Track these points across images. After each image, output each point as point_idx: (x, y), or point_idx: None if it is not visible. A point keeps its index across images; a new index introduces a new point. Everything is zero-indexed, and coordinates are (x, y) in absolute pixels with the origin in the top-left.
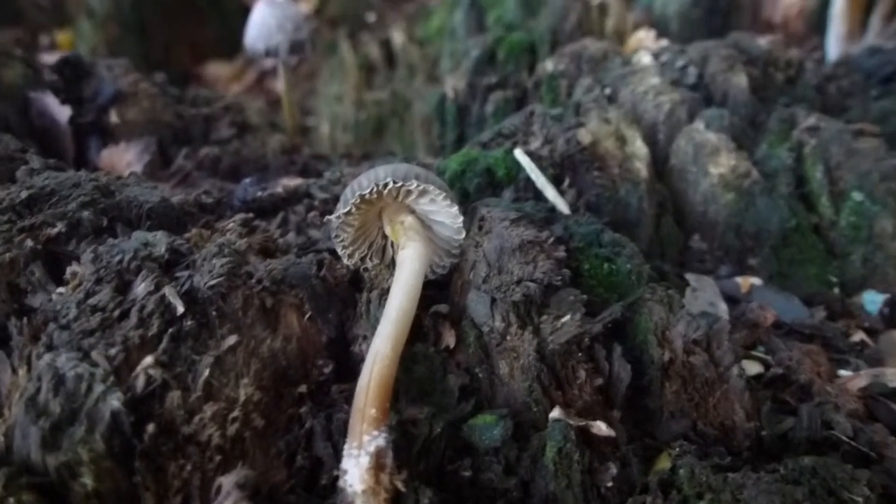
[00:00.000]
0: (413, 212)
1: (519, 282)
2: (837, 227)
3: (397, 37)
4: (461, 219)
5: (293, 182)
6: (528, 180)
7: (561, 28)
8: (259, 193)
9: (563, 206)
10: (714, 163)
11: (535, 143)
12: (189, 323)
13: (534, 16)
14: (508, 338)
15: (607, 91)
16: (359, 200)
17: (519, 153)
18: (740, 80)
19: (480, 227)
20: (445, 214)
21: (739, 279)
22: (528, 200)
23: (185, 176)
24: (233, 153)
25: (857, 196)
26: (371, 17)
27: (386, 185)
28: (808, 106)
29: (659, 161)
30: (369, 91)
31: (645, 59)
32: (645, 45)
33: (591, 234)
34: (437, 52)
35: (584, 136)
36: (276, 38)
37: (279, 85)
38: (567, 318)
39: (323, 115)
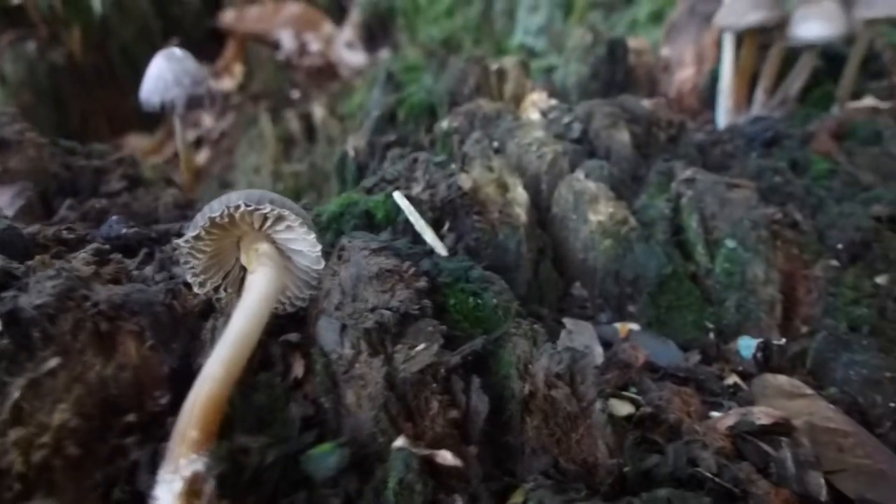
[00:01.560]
0: (273, 241)
1: (373, 309)
2: (713, 274)
3: (318, 111)
4: (319, 247)
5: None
6: (408, 223)
7: (459, 91)
8: (124, 230)
9: (441, 248)
10: (593, 210)
11: (416, 189)
12: (4, 342)
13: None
14: (357, 366)
15: (495, 144)
16: (209, 224)
17: (398, 195)
18: (623, 136)
19: (340, 257)
20: (304, 242)
21: (618, 325)
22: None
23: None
24: (121, 206)
25: (730, 243)
26: (295, 94)
27: (238, 207)
28: (690, 163)
29: (542, 209)
30: (287, 163)
31: (533, 115)
32: (537, 104)
33: (459, 270)
34: (357, 126)
35: (465, 181)
36: (172, 92)
37: (177, 142)
38: (421, 347)
39: (241, 186)
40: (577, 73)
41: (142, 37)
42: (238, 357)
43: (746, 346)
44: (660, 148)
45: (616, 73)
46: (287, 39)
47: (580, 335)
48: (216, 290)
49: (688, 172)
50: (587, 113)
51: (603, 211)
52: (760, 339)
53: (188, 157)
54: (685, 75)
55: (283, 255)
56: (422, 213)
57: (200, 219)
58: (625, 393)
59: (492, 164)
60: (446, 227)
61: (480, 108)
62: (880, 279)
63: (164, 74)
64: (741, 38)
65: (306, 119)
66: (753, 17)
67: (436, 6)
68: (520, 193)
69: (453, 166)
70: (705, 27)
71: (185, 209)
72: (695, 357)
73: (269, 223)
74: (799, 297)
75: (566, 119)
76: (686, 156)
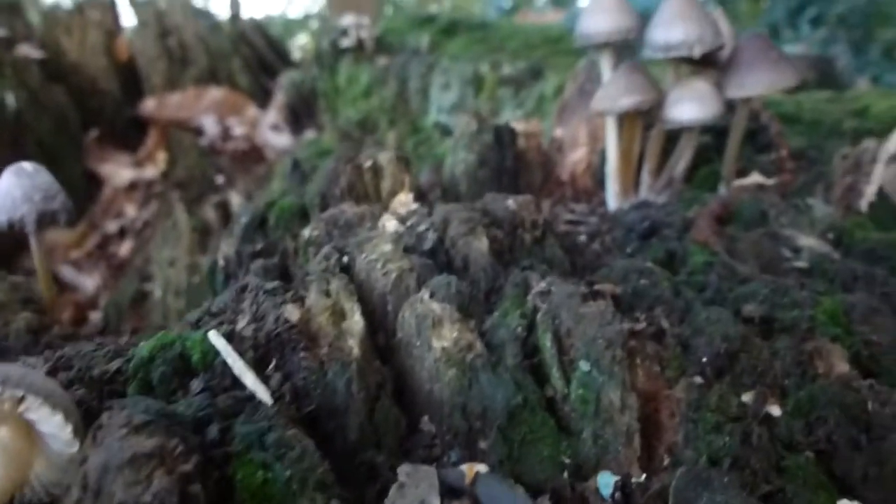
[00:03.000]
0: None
1: None
2: (569, 400)
3: (235, 199)
4: (70, 428)
5: None
6: (227, 365)
7: (331, 192)
8: None
9: (263, 393)
10: (437, 335)
11: (242, 322)
12: None
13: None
14: None
15: (345, 259)
16: None
17: (213, 336)
18: (481, 244)
19: (94, 437)
20: (51, 424)
21: (465, 467)
22: (223, 389)
23: None
24: None
25: (584, 365)
26: (220, 180)
27: None
28: (557, 265)
29: (388, 335)
30: (203, 255)
31: (389, 223)
32: (404, 208)
33: (252, 434)
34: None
35: (293, 312)
36: (20, 210)
37: (35, 260)
38: None
39: (158, 279)
40: (464, 161)
41: (59, 130)
42: None
43: (605, 483)
44: (526, 251)
45: (505, 158)
46: (210, 125)
47: (415, 487)
48: None
49: (543, 284)
50: (443, 219)
51: (447, 336)
52: (618, 477)
53: (46, 276)
54: (578, 155)
55: (37, 436)
56: (244, 352)
57: None
58: None
59: (329, 288)
60: (272, 365)
61: (343, 214)
62: (746, 396)
63: (11, 191)
64: (622, 120)
65: (223, 208)
66: (626, 101)
67: (354, 87)
68: (355, 322)
69: (288, 294)
70: None
71: (41, 334)
72: (546, 503)
73: (6, 406)
74: (662, 422)
75: (422, 227)
76: (552, 259)
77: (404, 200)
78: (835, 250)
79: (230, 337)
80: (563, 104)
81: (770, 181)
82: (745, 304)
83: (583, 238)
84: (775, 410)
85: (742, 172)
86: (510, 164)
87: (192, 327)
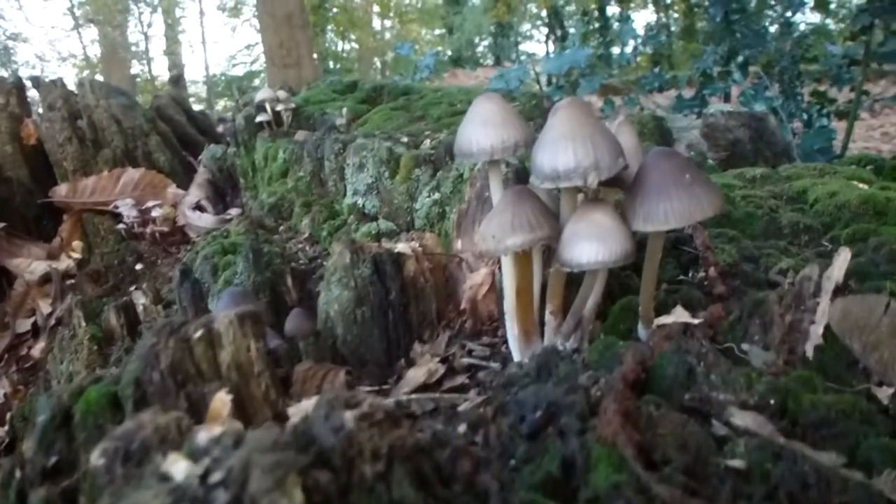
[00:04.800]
0: None
1: None
2: None
3: (140, 299)
4: None
5: None
6: None
7: (148, 377)
8: None
9: None
10: None
11: None
12: None
13: (259, 272)
14: None
15: None
16: None
17: None
18: (294, 500)
19: None
20: None
21: None
22: None
23: None
24: None
25: None
26: (138, 266)
27: None
28: None
29: None
30: (104, 368)
31: (177, 467)
32: (219, 422)
33: None
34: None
35: None
36: None
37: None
38: None
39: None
40: (338, 300)
41: None
42: None
43: None
44: (365, 494)
45: (389, 291)
46: (127, 208)
47: None
48: None
49: None
50: (243, 465)
51: None
52: None
53: None
54: (479, 278)
55: None
56: None
57: None
58: None
59: None
60: None
61: (140, 432)
62: None
63: None
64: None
65: (127, 311)
66: (512, 241)
67: (271, 166)
68: None
69: None
70: None
71: None
72: None
73: None
74: None
75: (217, 475)
76: (401, 500)
77: (220, 407)
78: (778, 425)
79: None
80: (462, 212)
81: (696, 320)
82: None
83: (447, 453)
84: None
85: (662, 308)
86: (396, 297)
87: None
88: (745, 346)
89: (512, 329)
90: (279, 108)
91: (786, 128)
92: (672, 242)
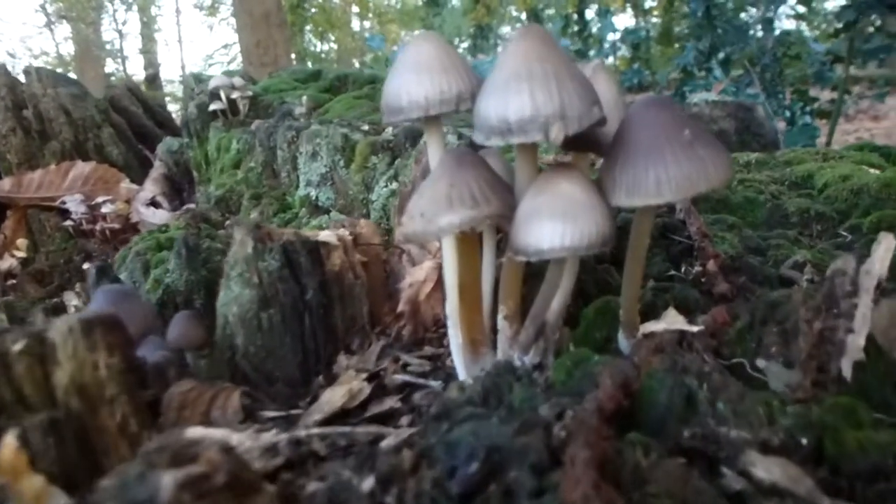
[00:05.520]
0: None
1: None
2: None
3: (74, 301)
4: None
5: None
6: None
7: None
8: None
9: None
10: None
11: None
12: None
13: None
14: None
15: None
16: None
17: None
18: None
19: None
20: None
21: None
22: None
23: None
24: None
25: None
26: (86, 265)
27: None
28: None
29: None
30: None
31: None
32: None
33: None
34: None
35: None
36: None
37: None
38: None
39: None
40: (238, 300)
41: None
42: None
43: None
44: None
45: (305, 289)
46: (76, 204)
47: None
48: None
49: None
50: None
51: None
52: None
53: None
54: (420, 274)
55: None
56: None
57: None
58: None
59: None
60: None
61: None
62: None
63: None
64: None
65: (58, 312)
66: (448, 220)
67: (224, 157)
68: None
69: None
70: None
71: None
72: None
73: None
74: None
75: None
76: None
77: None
78: (816, 475)
79: None
80: (404, 195)
81: (694, 327)
82: None
83: None
84: None
85: (650, 312)
86: (314, 297)
87: None
88: (760, 363)
89: (455, 337)
90: (234, 95)
91: (772, 119)
92: (660, 230)
